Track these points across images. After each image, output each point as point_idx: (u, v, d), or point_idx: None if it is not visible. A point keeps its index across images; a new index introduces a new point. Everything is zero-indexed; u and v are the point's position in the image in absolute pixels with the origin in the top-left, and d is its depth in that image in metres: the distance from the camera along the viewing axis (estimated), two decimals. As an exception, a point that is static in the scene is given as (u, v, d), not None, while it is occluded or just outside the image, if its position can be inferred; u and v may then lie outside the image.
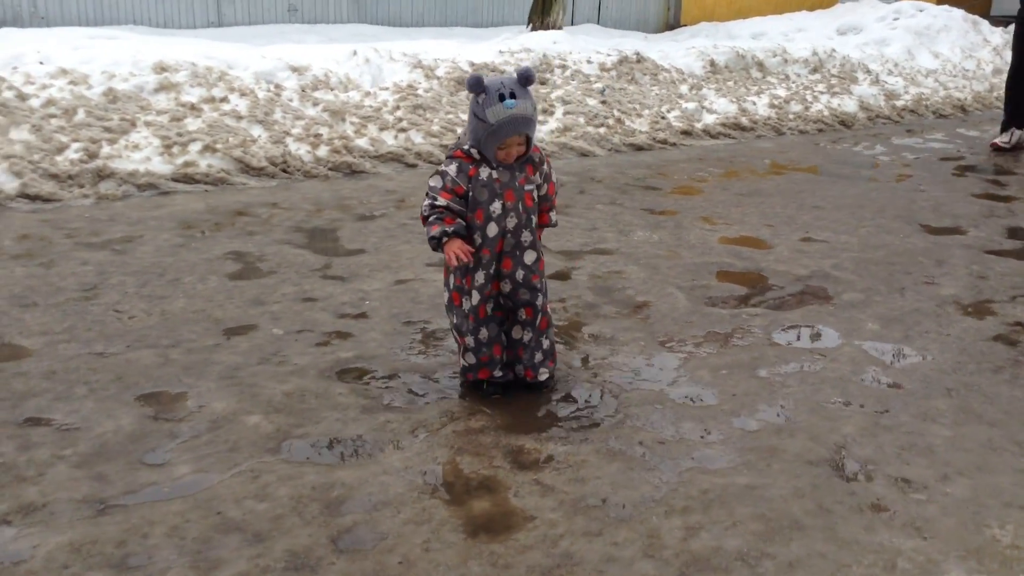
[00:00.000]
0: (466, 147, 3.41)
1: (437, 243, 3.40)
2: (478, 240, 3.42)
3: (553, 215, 3.65)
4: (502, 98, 3.23)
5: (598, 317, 4.51)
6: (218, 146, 6.64)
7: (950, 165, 8.94)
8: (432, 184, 3.42)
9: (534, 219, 3.50)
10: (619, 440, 3.34)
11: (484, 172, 3.39)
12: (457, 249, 3.36)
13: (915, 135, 10.76)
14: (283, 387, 3.59)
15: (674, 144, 9.12)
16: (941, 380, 3.94)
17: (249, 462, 3.06)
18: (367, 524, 2.75)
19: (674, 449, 3.28)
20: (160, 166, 6.38)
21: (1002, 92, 10.60)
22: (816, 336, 4.40)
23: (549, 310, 3.65)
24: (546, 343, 3.65)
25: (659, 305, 4.70)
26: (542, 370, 3.66)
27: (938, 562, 2.70)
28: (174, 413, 3.37)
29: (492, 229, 3.44)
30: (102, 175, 6.12)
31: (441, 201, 3.39)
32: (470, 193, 3.40)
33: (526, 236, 3.48)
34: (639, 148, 8.86)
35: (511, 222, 3.44)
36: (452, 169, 3.40)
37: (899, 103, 11.86)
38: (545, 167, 3.55)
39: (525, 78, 3.30)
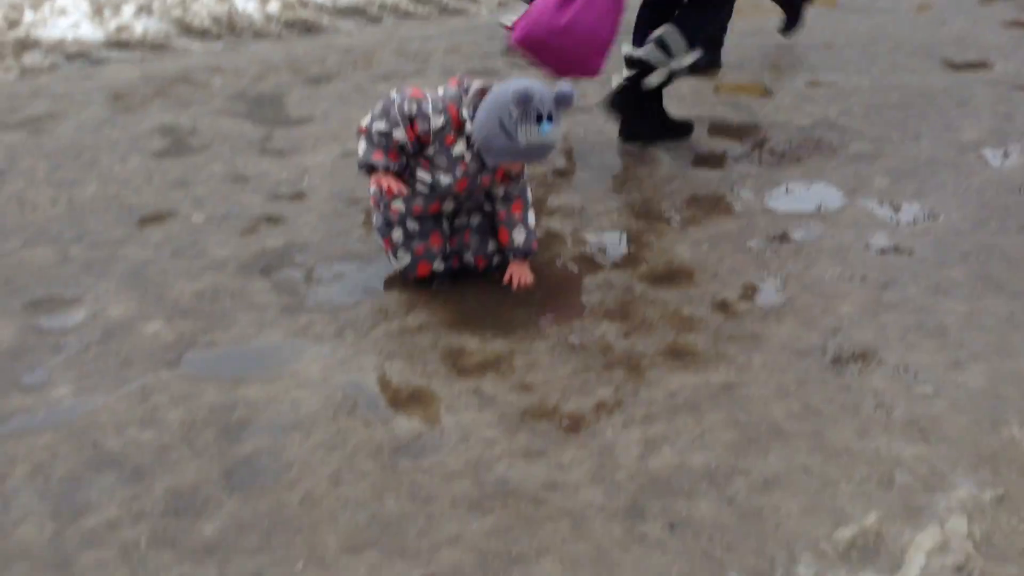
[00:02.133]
0: (466, 118, 2.87)
1: (369, 169, 2.94)
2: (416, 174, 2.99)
3: (518, 234, 3.07)
4: (539, 119, 2.74)
5: (568, 186, 3.97)
6: (154, 6, 5.96)
7: (977, -8, 8.07)
8: (404, 107, 2.85)
9: (484, 207, 3.15)
10: (578, 333, 2.87)
11: (459, 147, 2.90)
12: (391, 182, 2.90)
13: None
14: (194, 286, 3.12)
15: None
16: (957, 243, 3.42)
17: (141, 379, 2.63)
18: (269, 453, 2.34)
19: (640, 343, 2.81)
20: (90, 32, 5.74)
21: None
22: (816, 197, 3.86)
23: (525, 193, 3.11)
24: (529, 219, 3.12)
25: (638, 169, 4.15)
26: (495, 256, 3.19)
27: (944, 474, 2.26)
28: (63, 322, 2.92)
29: (426, 188, 3.00)
30: (26, 45, 5.51)
31: (400, 135, 2.87)
32: (430, 150, 2.92)
33: (469, 209, 3.15)
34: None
35: (448, 204, 3.08)
36: (437, 122, 2.87)
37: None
38: (518, 186, 3.07)
39: (565, 103, 2.80)
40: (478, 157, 2.91)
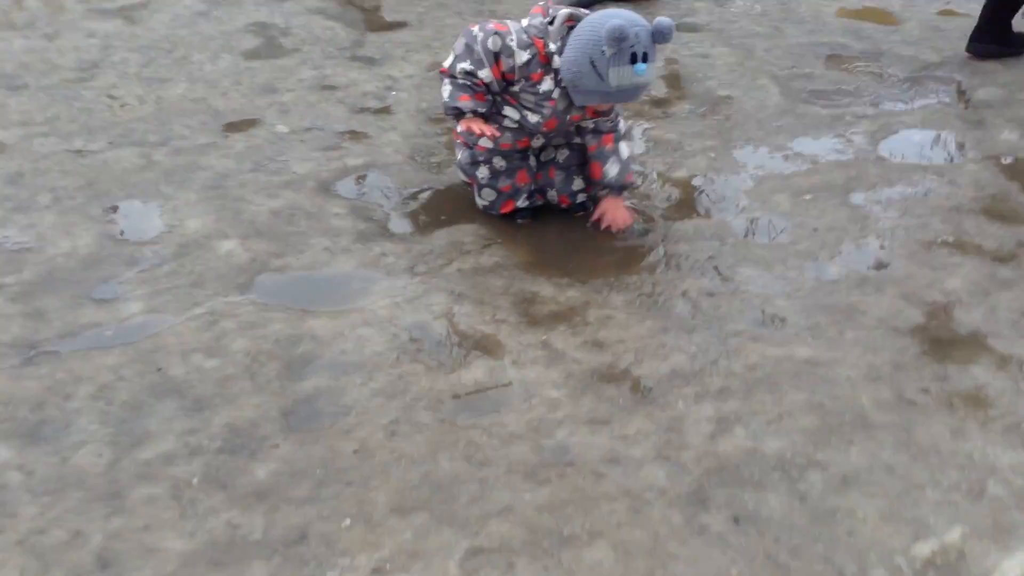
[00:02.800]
0: (552, 51, 2.68)
1: (458, 113, 2.80)
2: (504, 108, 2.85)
3: (612, 167, 2.90)
4: (634, 59, 2.55)
5: (666, 116, 3.74)
6: None
7: None
8: (487, 43, 2.70)
9: (574, 143, 3.00)
10: (659, 288, 2.73)
11: (547, 84, 2.73)
12: (481, 126, 2.78)
13: None
14: (272, 203, 3.07)
15: None
16: (1090, 216, 3.11)
17: (211, 302, 2.60)
18: (329, 394, 2.29)
19: (725, 305, 2.65)
20: (192, -85, 5.59)
21: None
22: (935, 146, 3.55)
23: (618, 124, 2.95)
24: (623, 151, 2.96)
25: (744, 101, 3.88)
26: (580, 193, 3.05)
27: (1044, 489, 2.08)
28: (141, 232, 2.91)
29: (513, 125, 2.86)
30: (127, -74, 5.40)
31: (485, 75, 2.72)
32: (516, 87, 2.76)
33: (557, 144, 2.99)
34: None
35: (536, 141, 2.93)
36: (522, 57, 2.70)
37: None
38: (609, 118, 2.90)
39: (662, 37, 2.57)
40: (566, 95, 2.73)
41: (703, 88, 4.00)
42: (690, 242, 2.94)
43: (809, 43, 4.47)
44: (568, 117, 2.82)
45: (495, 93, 2.78)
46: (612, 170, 2.90)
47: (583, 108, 2.79)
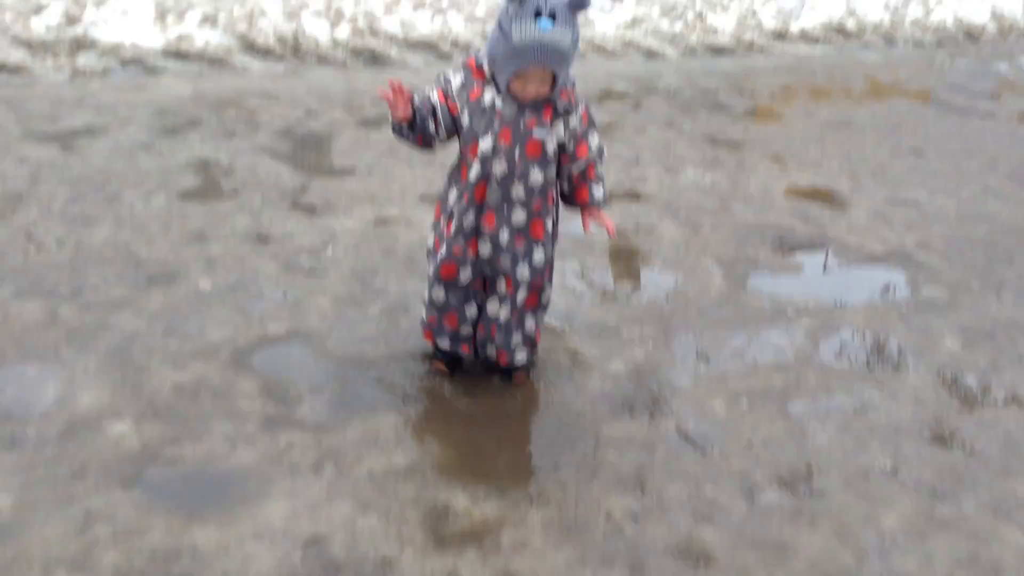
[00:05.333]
0: (481, 59, 2.66)
1: (393, 126, 2.77)
2: (466, 181, 2.75)
3: (598, 189, 2.87)
4: (538, 15, 2.46)
5: (604, 296, 3.64)
6: (220, 16, 5.78)
7: (1089, 103, 7.53)
8: (433, 83, 2.75)
9: (538, 175, 2.73)
10: (581, 505, 2.55)
11: (488, 95, 2.66)
12: (396, 85, 2.62)
13: (1053, 56, 9.21)
14: (177, 376, 2.87)
15: (762, 49, 7.86)
16: (1030, 445, 3.02)
17: (90, 499, 2.37)
18: (202, 626, 2.06)
19: (650, 531, 2.48)
20: (150, 38, 5.56)
21: None
22: (877, 352, 3.47)
23: (544, 289, 2.91)
24: (529, 324, 2.95)
25: (687, 284, 3.80)
26: (519, 354, 2.98)
27: None
28: (29, 406, 2.69)
29: (474, 171, 2.71)
30: (82, 45, 5.36)
31: (434, 98, 2.70)
32: (463, 118, 2.68)
33: (518, 191, 2.74)
34: (719, 51, 7.65)
35: (499, 167, 2.70)
36: (456, 81, 2.70)
37: (1040, 13, 10.15)
38: (574, 121, 2.73)
39: (578, 2, 2.51)
40: (510, 100, 2.64)
41: (646, 266, 3.93)
42: (619, 449, 2.79)
43: (756, 224, 4.45)
44: (522, 123, 2.66)
45: (437, 122, 2.69)
46: (597, 192, 2.87)
47: (537, 110, 2.65)
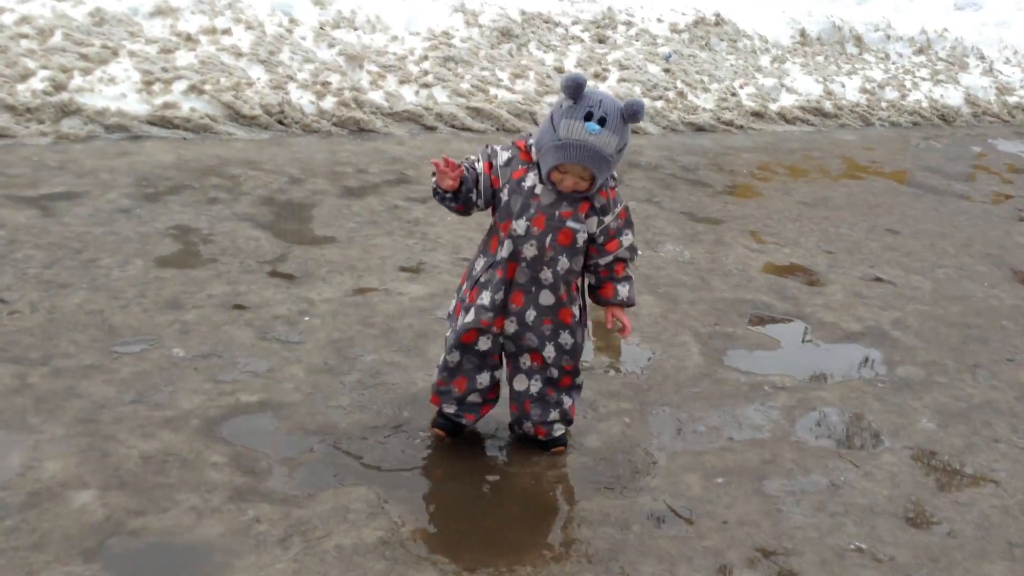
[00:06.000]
0: (530, 143, 2.77)
1: (434, 191, 2.83)
2: (497, 255, 2.82)
3: (624, 288, 2.90)
4: (588, 117, 2.55)
5: (584, 370, 3.63)
6: (207, 87, 5.84)
7: (1060, 186, 7.70)
8: (481, 151, 2.84)
9: (564, 262, 2.78)
10: (552, 586, 2.50)
11: (530, 179, 2.75)
12: (446, 166, 2.72)
13: (1024, 140, 9.45)
14: (145, 445, 2.82)
15: (741, 127, 8.02)
16: (1004, 526, 3.00)
17: (48, 572, 2.30)
18: None
19: (620, 614, 2.43)
20: (135, 105, 5.61)
21: None
22: (853, 431, 3.47)
23: (578, 372, 2.99)
24: (566, 402, 3.00)
25: (664, 360, 3.80)
26: (556, 431, 3.03)
27: None
28: (-9, 474, 2.63)
29: (506, 249, 2.78)
30: (67, 111, 5.38)
31: (479, 167, 2.79)
32: (503, 194, 2.76)
33: (546, 275, 2.79)
34: (699, 129, 7.80)
35: (529, 250, 2.77)
36: (503, 157, 2.81)
37: (1012, 99, 10.45)
38: (609, 218, 2.80)
39: (631, 113, 2.60)
40: (551, 190, 2.71)
41: (625, 340, 3.93)
42: (594, 527, 2.75)
43: (733, 299, 4.48)
44: (557, 213, 2.72)
45: (480, 191, 2.77)
46: (623, 291, 2.90)
47: (574, 204, 2.72)
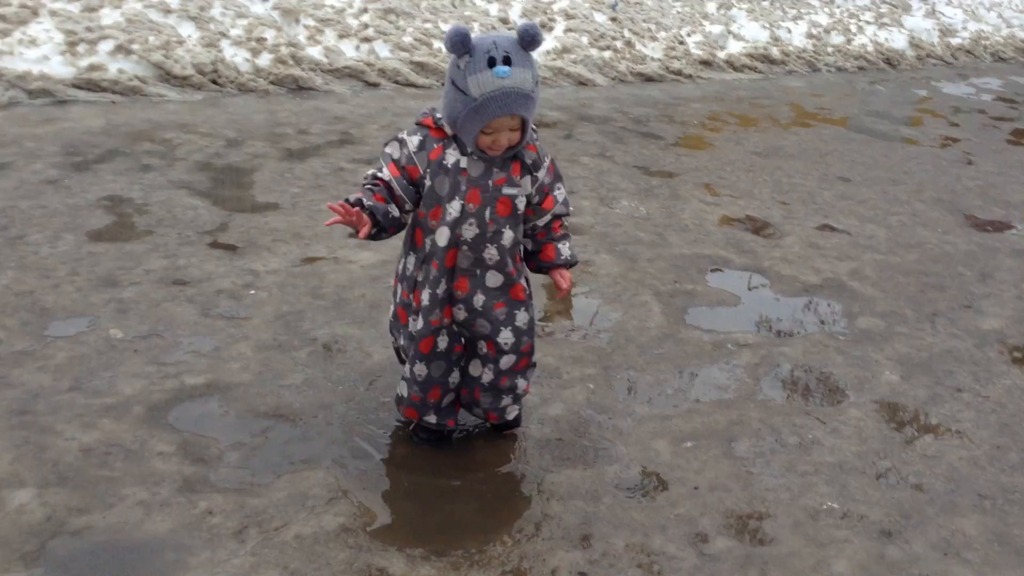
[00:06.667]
0: (438, 116, 2.50)
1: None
2: (427, 247, 2.57)
3: (565, 247, 2.71)
4: (492, 63, 2.30)
5: (544, 336, 3.53)
6: (135, 46, 5.54)
7: (1006, 128, 7.75)
8: (386, 151, 2.56)
9: (508, 234, 2.56)
10: (525, 564, 2.42)
11: (451, 156, 2.48)
12: (350, 216, 2.43)
13: (968, 81, 9.49)
14: (85, 437, 2.65)
15: (690, 76, 7.90)
16: (972, 478, 2.99)
17: (-16, 580, 2.15)
18: None
19: (595, 592, 2.35)
20: (59, 68, 5.30)
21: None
22: (819, 386, 3.43)
23: (530, 351, 2.74)
24: (520, 384, 2.79)
25: (626, 321, 3.71)
26: (509, 414, 2.87)
27: None
28: (-84, 475, 2.44)
29: (443, 236, 2.53)
30: (-16, 75, 5.05)
31: (385, 174, 2.52)
32: (426, 180, 2.50)
33: (491, 253, 2.56)
34: (648, 79, 7.66)
35: (469, 231, 2.52)
36: (413, 142, 2.52)
37: (955, 41, 10.49)
38: (542, 173, 2.59)
39: (528, 39, 2.34)
40: (476, 160, 2.48)
41: (584, 303, 3.83)
42: (563, 501, 2.66)
43: (692, 254, 4.40)
44: (490, 183, 2.50)
45: (398, 199, 2.50)
46: (565, 250, 2.71)
47: (505, 167, 2.50)
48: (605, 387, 3.24)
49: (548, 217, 2.66)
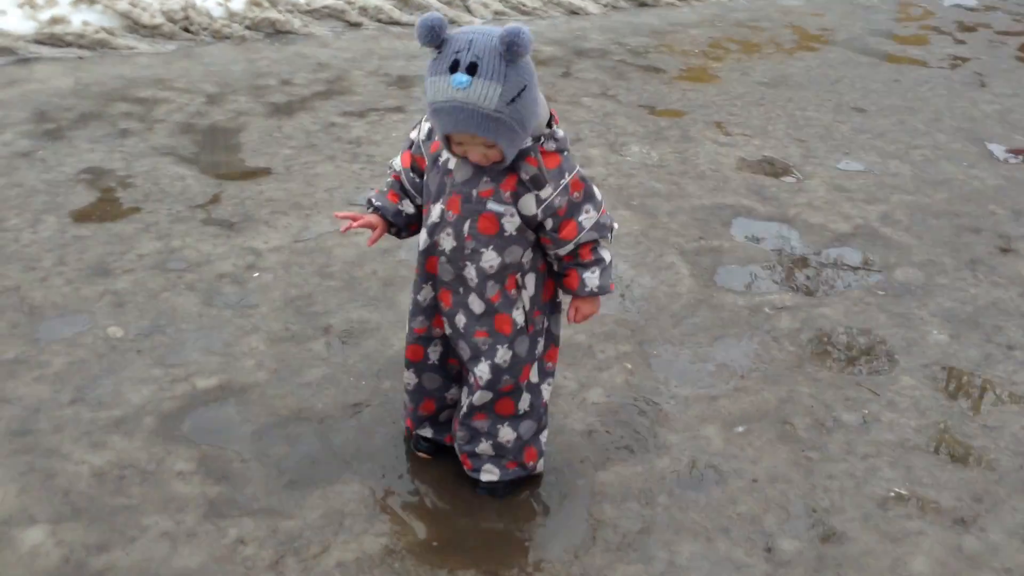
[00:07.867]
0: None
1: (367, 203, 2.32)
2: (418, 247, 2.28)
3: (593, 276, 2.21)
4: (454, 68, 1.89)
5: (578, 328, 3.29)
6: (99, -6, 5.11)
7: (1013, 44, 7.48)
8: (409, 135, 2.27)
9: (493, 256, 2.14)
10: (585, 581, 2.24)
11: (446, 152, 2.12)
12: (358, 221, 2.23)
13: (966, -7, 9.17)
14: (96, 459, 2.42)
15: (684, -1, 7.54)
16: (1039, 450, 2.84)
17: (1, 642, 1.94)
18: None
19: (666, 610, 2.18)
20: (18, 23, 4.90)
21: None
22: (866, 351, 3.24)
23: (518, 393, 2.32)
24: (504, 434, 2.36)
25: (655, 288, 3.49)
26: (484, 473, 2.42)
27: None
28: (-88, 518, 2.21)
29: (423, 239, 2.23)
30: (-63, 34, 4.63)
31: (397, 165, 2.27)
32: (427, 176, 2.20)
33: (470, 273, 2.17)
34: (642, 3, 7.30)
35: (446, 241, 2.16)
36: (424, 128, 2.21)
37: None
38: (552, 193, 2.08)
39: (509, 47, 1.87)
40: (464, 164, 2.10)
41: (609, 266, 3.59)
42: (617, 504, 2.47)
43: (712, 205, 4.17)
44: (474, 192, 2.10)
45: (408, 194, 2.28)
46: (591, 280, 2.22)
47: (497, 179, 2.09)
48: (643, 366, 3.04)
49: (570, 247, 2.17)
